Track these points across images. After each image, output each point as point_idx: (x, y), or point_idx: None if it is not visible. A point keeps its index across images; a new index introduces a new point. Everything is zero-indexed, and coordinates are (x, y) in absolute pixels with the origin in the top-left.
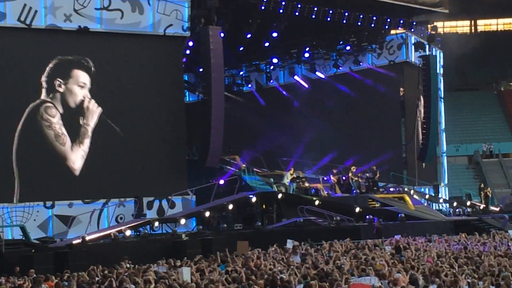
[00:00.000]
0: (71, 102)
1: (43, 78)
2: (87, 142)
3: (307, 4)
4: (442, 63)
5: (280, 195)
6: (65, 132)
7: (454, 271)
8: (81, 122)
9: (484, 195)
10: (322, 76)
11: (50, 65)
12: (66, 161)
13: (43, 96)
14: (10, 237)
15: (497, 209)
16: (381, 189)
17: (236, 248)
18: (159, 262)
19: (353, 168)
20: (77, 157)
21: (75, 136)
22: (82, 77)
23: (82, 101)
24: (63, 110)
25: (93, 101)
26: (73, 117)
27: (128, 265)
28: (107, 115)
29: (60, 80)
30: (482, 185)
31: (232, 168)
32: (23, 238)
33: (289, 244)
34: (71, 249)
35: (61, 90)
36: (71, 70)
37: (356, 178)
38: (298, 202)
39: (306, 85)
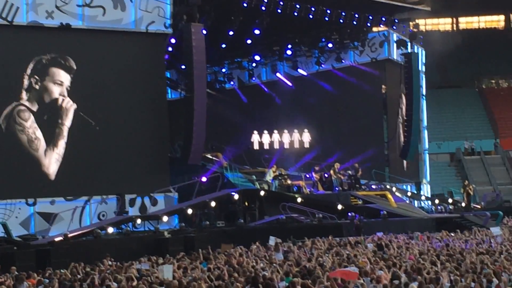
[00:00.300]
0: (47, 100)
1: (25, 77)
2: (62, 143)
3: (289, 2)
4: (424, 61)
5: (262, 193)
6: (39, 136)
7: (436, 269)
8: (58, 122)
9: (466, 193)
10: (304, 73)
11: (31, 64)
12: (41, 167)
13: (24, 95)
14: None
15: (479, 206)
16: (363, 187)
17: (220, 247)
18: (141, 259)
19: (337, 165)
20: (51, 162)
21: (50, 138)
22: (59, 75)
23: (57, 100)
24: (38, 109)
25: (67, 99)
26: (48, 117)
27: (110, 262)
28: (86, 112)
29: (36, 77)
30: (466, 183)
31: (214, 166)
32: (5, 236)
33: (272, 241)
34: (53, 247)
35: (37, 88)
36: (49, 68)
37: (338, 175)
38: (280, 199)
39: (290, 84)
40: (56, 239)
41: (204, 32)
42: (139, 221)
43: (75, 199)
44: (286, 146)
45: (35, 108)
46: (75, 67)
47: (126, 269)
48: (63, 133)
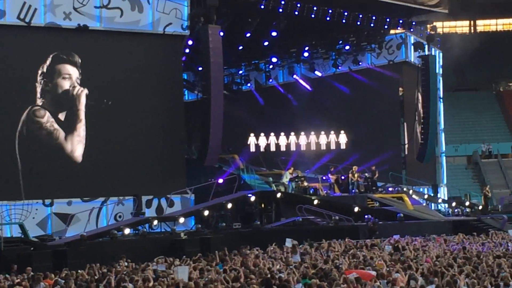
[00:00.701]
0: (60, 95)
1: (38, 78)
2: (81, 126)
3: (306, 4)
4: (441, 63)
5: (279, 194)
6: (58, 127)
7: (453, 272)
8: (73, 109)
9: (484, 195)
10: (321, 75)
11: (45, 65)
12: (65, 152)
13: (38, 94)
14: (9, 235)
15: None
16: (380, 189)
17: (236, 248)
18: (159, 260)
19: (355, 168)
20: (74, 145)
21: (68, 126)
22: (67, 69)
23: (68, 90)
24: (54, 106)
25: (77, 86)
26: (63, 108)
27: (126, 264)
28: (104, 113)
29: (46, 79)
30: (488, 188)
31: (231, 167)
32: (22, 236)
33: (288, 243)
34: (69, 247)
35: (48, 87)
36: (58, 65)
37: (356, 178)
38: (297, 201)
39: (309, 87)
40: (73, 240)
41: (221, 33)
42: (155, 222)
43: (92, 200)
44: (303, 148)
45: (50, 106)
46: (80, 61)
47: (142, 270)
48: (80, 117)
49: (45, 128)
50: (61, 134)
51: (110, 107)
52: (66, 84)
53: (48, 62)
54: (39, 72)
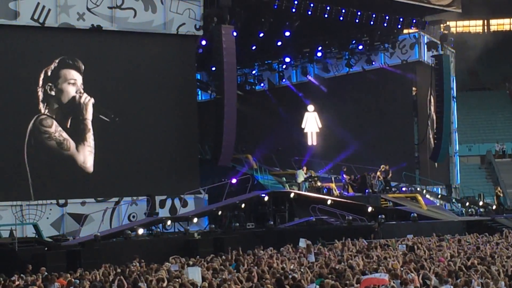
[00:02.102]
0: (65, 102)
1: (41, 81)
2: (90, 136)
3: (319, 3)
4: (454, 63)
5: (292, 194)
6: (67, 137)
7: (467, 271)
8: (80, 118)
9: (496, 195)
10: (334, 75)
11: (50, 69)
12: (77, 163)
13: (41, 98)
14: (23, 235)
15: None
16: (393, 189)
17: (250, 248)
18: (172, 261)
19: (383, 167)
20: (85, 156)
21: (77, 135)
22: (71, 74)
23: (74, 97)
24: (59, 114)
25: (84, 94)
26: (69, 115)
27: (140, 264)
28: (117, 114)
29: (50, 84)
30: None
31: (244, 167)
32: (36, 236)
33: (302, 243)
34: (83, 247)
35: (52, 93)
36: (60, 71)
37: (381, 177)
38: (310, 201)
39: (324, 89)
40: (87, 240)
41: (235, 33)
42: (169, 222)
43: (106, 200)
44: (316, 148)
45: (55, 114)
46: (83, 67)
47: (156, 270)
48: (88, 127)
49: (54, 138)
50: (72, 144)
51: (123, 108)
52: (71, 90)
53: (53, 66)
54: (42, 75)
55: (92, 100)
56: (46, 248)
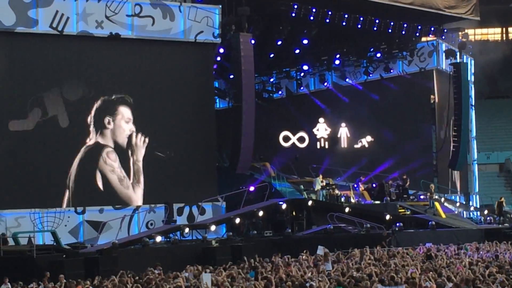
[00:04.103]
0: (119, 138)
1: (90, 118)
2: (142, 178)
3: (337, 11)
4: (473, 71)
5: (310, 202)
6: (125, 174)
7: (486, 280)
8: (134, 159)
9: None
10: (352, 83)
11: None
12: (132, 203)
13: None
14: (41, 242)
15: None
16: (411, 197)
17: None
18: (191, 268)
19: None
20: (138, 196)
21: (131, 174)
22: (127, 112)
23: (131, 136)
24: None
25: (139, 135)
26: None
27: (158, 271)
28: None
29: (109, 118)
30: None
31: (262, 175)
32: (54, 244)
33: (320, 251)
34: (101, 255)
35: (109, 127)
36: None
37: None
38: (328, 209)
39: (345, 99)
40: (105, 248)
41: (253, 41)
42: (187, 230)
43: (124, 207)
44: (334, 156)
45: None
46: (132, 101)
47: (174, 278)
48: (141, 169)
49: (116, 173)
50: (129, 184)
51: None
52: (125, 127)
53: (100, 102)
54: (92, 113)
55: (146, 141)
56: (64, 256)
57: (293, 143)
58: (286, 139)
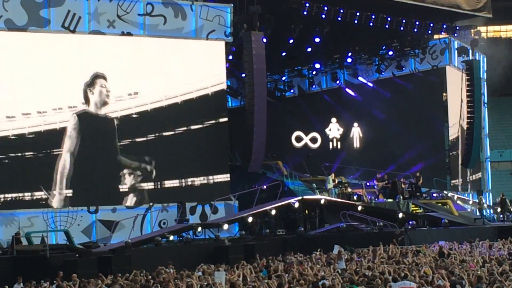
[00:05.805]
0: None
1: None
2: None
3: (349, 9)
4: (485, 68)
5: (322, 201)
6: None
7: (499, 277)
8: None
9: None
10: (365, 81)
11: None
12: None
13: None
14: (54, 242)
15: None
16: (424, 195)
17: (280, 255)
18: (204, 267)
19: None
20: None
21: None
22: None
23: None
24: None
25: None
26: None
27: (171, 270)
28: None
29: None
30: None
31: (274, 174)
32: (67, 243)
33: (336, 250)
34: (114, 254)
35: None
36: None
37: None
38: (340, 207)
39: (357, 96)
40: (118, 247)
41: (264, 40)
42: (199, 229)
43: (136, 207)
44: (346, 154)
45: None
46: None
47: (187, 276)
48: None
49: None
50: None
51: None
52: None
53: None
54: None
55: None
56: (77, 255)
57: (306, 143)
58: (299, 139)
